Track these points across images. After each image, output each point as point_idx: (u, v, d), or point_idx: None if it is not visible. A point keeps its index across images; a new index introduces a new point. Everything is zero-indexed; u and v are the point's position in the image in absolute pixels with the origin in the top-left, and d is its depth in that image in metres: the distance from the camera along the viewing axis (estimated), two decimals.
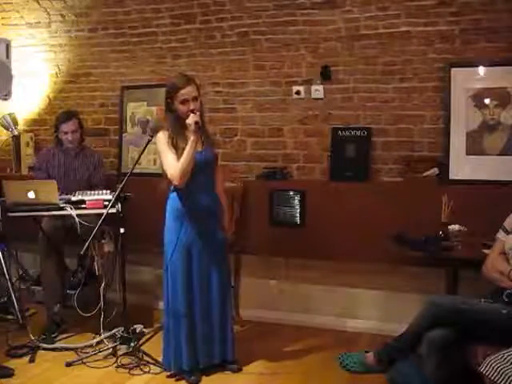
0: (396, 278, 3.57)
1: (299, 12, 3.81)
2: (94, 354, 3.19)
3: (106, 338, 3.31)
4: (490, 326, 2.40)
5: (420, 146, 3.62)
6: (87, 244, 3.00)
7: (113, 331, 3.31)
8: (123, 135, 4.38)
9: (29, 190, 3.23)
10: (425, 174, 3.51)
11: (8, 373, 2.98)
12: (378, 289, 3.66)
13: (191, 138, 2.79)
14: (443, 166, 3.52)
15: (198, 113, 2.84)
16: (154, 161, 4.14)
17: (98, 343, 3.31)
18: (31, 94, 4.63)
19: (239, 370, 3.06)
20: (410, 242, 3.06)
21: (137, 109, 4.34)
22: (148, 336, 3.51)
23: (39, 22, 4.53)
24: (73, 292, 3.53)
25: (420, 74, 3.59)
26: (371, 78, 3.70)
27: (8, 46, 4.32)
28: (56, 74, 4.58)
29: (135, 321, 3.48)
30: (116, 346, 3.23)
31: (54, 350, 3.30)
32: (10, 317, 3.53)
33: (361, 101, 3.74)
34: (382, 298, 3.66)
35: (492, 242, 2.78)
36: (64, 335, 3.50)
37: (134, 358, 3.12)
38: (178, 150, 2.82)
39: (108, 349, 3.22)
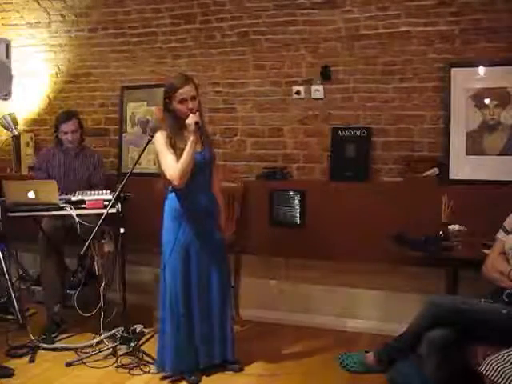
0: (396, 277, 3.57)
1: (299, 12, 3.81)
2: (94, 354, 3.19)
3: (105, 338, 3.31)
4: (490, 326, 2.40)
5: (420, 146, 3.62)
6: (87, 244, 3.00)
7: (113, 331, 3.31)
8: (123, 135, 4.38)
9: (29, 190, 3.23)
10: (425, 174, 3.51)
11: (8, 373, 2.98)
12: (378, 289, 3.66)
13: (191, 138, 2.77)
14: (443, 165, 3.52)
15: (197, 113, 2.83)
16: (154, 161, 4.12)
17: (98, 343, 3.31)
18: (31, 94, 4.63)
19: (240, 369, 3.06)
20: (410, 242, 3.06)
21: (137, 109, 4.34)
22: (148, 336, 3.51)
23: (39, 22, 4.53)
24: (73, 292, 3.53)
25: (420, 74, 3.59)
26: (371, 78, 3.70)
27: (8, 46, 4.31)
28: (56, 73, 4.58)
29: (135, 321, 3.48)
30: (116, 345, 3.23)
31: (54, 349, 3.30)
32: (10, 317, 3.54)
33: (361, 101, 3.74)
34: (382, 298, 3.66)
35: (492, 242, 2.78)
36: (64, 335, 3.50)
37: (133, 357, 3.12)
38: (176, 150, 2.80)
39: (108, 349, 3.22)
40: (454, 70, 3.49)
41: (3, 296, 3.63)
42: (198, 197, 2.90)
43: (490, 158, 3.45)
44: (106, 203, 3.17)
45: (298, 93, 3.86)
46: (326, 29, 3.76)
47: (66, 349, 3.30)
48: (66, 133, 3.70)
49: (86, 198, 3.31)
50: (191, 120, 2.78)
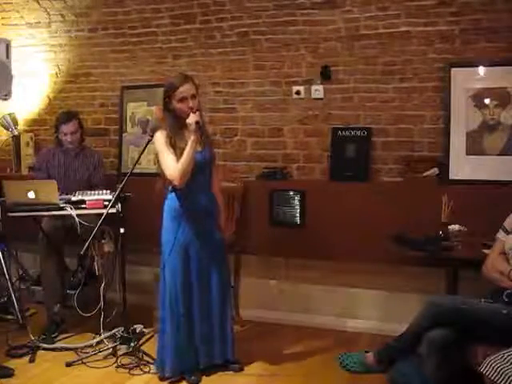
0: (396, 278, 3.57)
1: (299, 12, 3.81)
2: (94, 354, 3.19)
3: (106, 338, 3.31)
4: (490, 325, 2.40)
5: (420, 146, 3.62)
6: (87, 244, 3.00)
7: (113, 331, 3.32)
8: (123, 135, 4.38)
9: (29, 190, 3.23)
10: (425, 174, 3.51)
11: (8, 373, 2.98)
12: (378, 289, 3.66)
13: (191, 137, 2.76)
14: (443, 165, 3.52)
15: (197, 112, 2.83)
16: (154, 161, 4.11)
17: (98, 343, 3.31)
18: (31, 94, 4.63)
19: (240, 369, 3.05)
20: (410, 242, 3.06)
21: (137, 109, 4.34)
22: (148, 336, 3.51)
23: (39, 22, 4.53)
24: (73, 292, 3.53)
25: (420, 74, 3.59)
26: (371, 78, 3.70)
27: (8, 46, 4.32)
28: (56, 73, 4.58)
29: (135, 321, 3.48)
30: (116, 345, 3.23)
31: (54, 349, 3.30)
32: (9, 317, 3.54)
33: (361, 101, 3.74)
34: (382, 298, 3.66)
35: (492, 242, 2.78)
36: (64, 335, 3.50)
37: (133, 357, 3.12)
38: (176, 150, 2.80)
39: (108, 349, 3.22)
40: (453, 70, 3.49)
41: (3, 296, 3.63)
42: (197, 197, 2.90)
43: (489, 158, 3.45)
44: (106, 203, 3.17)
45: (298, 93, 3.87)
46: (325, 29, 3.76)
47: (66, 349, 3.30)
48: (65, 134, 3.70)
49: (86, 198, 3.31)
50: (192, 119, 2.77)
